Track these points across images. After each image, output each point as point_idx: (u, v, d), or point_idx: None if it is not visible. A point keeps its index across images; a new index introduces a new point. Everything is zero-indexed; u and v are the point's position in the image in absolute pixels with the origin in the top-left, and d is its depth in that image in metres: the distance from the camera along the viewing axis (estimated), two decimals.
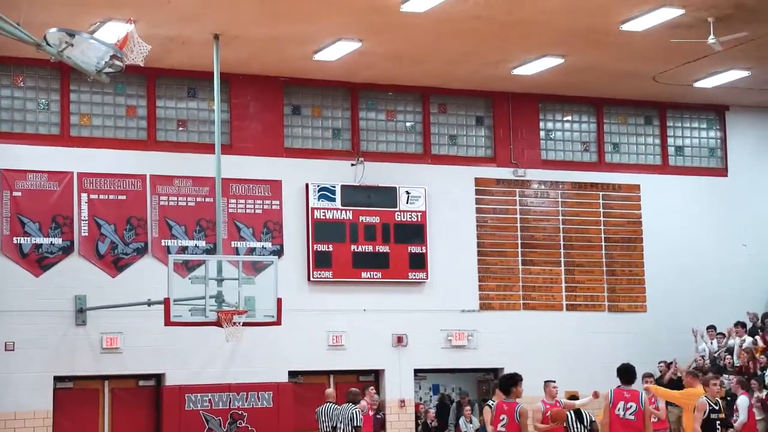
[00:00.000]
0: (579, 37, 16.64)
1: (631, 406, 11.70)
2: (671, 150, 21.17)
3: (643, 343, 19.70)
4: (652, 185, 20.66)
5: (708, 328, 19.67)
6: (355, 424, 14.11)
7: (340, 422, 14.18)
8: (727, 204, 21.10)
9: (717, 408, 12.45)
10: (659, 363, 18.89)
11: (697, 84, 19.40)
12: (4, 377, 16.23)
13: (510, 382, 11.63)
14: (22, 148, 16.80)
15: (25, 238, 16.60)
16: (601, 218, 20.26)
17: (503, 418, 11.30)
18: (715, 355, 19.08)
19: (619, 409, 11.70)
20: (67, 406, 16.69)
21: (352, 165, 18.63)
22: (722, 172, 21.39)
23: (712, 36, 15.41)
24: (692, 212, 20.85)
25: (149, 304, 15.77)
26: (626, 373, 11.99)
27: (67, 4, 14.31)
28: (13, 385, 16.24)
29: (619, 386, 11.91)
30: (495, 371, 19.41)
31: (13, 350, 16.34)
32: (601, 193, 20.30)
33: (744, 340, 18.96)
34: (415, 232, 18.75)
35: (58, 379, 16.67)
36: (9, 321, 16.31)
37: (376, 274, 18.42)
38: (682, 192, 20.88)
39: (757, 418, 16.36)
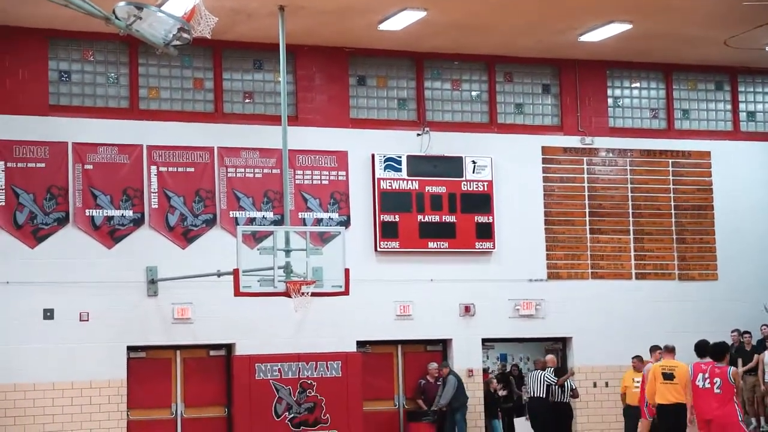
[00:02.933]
0: (647, 2, 16.38)
1: (707, 377, 12.56)
2: (743, 116, 20.79)
3: (715, 312, 19.49)
4: (723, 152, 20.32)
5: None
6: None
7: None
8: None
9: None
10: (732, 332, 18.67)
11: None
12: (79, 347, 16.55)
13: (725, 348, 13.13)
14: (93, 122, 17.03)
15: (97, 210, 16.86)
16: (671, 186, 19.99)
17: (717, 381, 12.46)
18: None
19: (698, 381, 12.63)
20: (140, 376, 16.98)
21: (418, 135, 18.60)
22: None
23: None
24: (765, 179, 20.49)
25: (219, 275, 15.93)
26: (699, 349, 13.14)
27: None
28: (88, 354, 16.56)
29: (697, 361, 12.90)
30: (563, 340, 19.36)
31: (87, 320, 16.65)
32: (670, 161, 20.03)
33: None
34: (482, 201, 18.68)
35: (131, 348, 16.97)
36: (83, 292, 16.61)
37: (442, 244, 18.42)
38: (754, 158, 20.51)
39: None
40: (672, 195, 19.99)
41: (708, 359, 12.80)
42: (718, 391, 12.38)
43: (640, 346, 18.64)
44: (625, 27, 17.58)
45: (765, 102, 20.99)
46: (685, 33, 18.14)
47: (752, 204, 20.31)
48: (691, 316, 19.46)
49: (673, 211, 19.94)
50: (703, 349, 13.04)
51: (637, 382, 16.40)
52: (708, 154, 20.26)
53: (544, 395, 17.43)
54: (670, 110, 20.34)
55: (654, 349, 15.93)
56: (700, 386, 12.61)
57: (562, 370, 17.53)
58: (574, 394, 17.58)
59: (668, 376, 14.74)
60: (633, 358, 17.07)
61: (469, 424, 18.10)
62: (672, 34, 18.21)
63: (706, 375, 12.54)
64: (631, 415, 16.69)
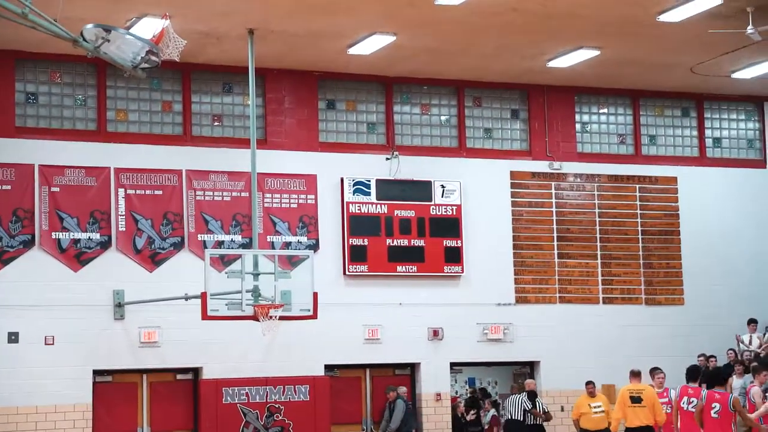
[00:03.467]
0: (615, 29, 16.53)
1: (693, 401, 12.82)
2: (709, 142, 21.00)
3: (681, 337, 19.60)
4: (689, 177, 20.50)
5: (749, 322, 19.51)
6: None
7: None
8: (765, 196, 20.89)
9: None
10: (699, 356, 18.76)
11: (735, 75, 19.20)
12: (44, 371, 16.38)
13: (726, 374, 13.93)
14: (60, 144, 16.94)
15: (64, 233, 16.74)
16: (638, 211, 20.13)
17: (716, 406, 12.51)
18: (760, 350, 18.92)
19: (683, 403, 13.00)
20: (106, 400, 16.84)
21: (387, 159, 18.64)
22: (761, 163, 21.18)
23: (750, 26, 15.24)
24: (730, 204, 20.67)
25: (186, 298, 15.87)
26: (690, 373, 13.45)
27: (104, 0, 14.40)
28: (53, 378, 16.39)
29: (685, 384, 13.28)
30: (531, 364, 19.38)
31: (53, 344, 16.50)
32: (637, 186, 20.18)
33: None
34: (451, 225, 18.72)
35: (97, 372, 16.82)
36: (48, 315, 16.46)
37: (411, 268, 18.42)
38: (719, 184, 20.70)
39: None
40: (639, 220, 20.12)
41: (695, 384, 13.26)
42: (716, 416, 12.57)
43: (608, 370, 18.79)
44: (593, 53, 17.73)
45: (730, 128, 21.22)
46: (653, 60, 18.31)
47: (718, 229, 20.47)
48: (658, 340, 19.57)
49: (640, 236, 20.07)
50: (694, 373, 13.48)
51: (595, 407, 16.72)
52: (674, 179, 20.43)
53: (522, 418, 17.42)
54: (637, 136, 20.50)
55: (654, 370, 15.90)
56: (685, 408, 12.97)
57: (533, 393, 17.55)
58: (547, 417, 17.62)
59: (636, 400, 15.08)
60: (587, 383, 17.06)
61: None
62: (639, 61, 18.38)
63: (693, 400, 12.90)
64: None
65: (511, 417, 17.67)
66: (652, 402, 15.16)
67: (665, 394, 15.10)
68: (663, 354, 19.12)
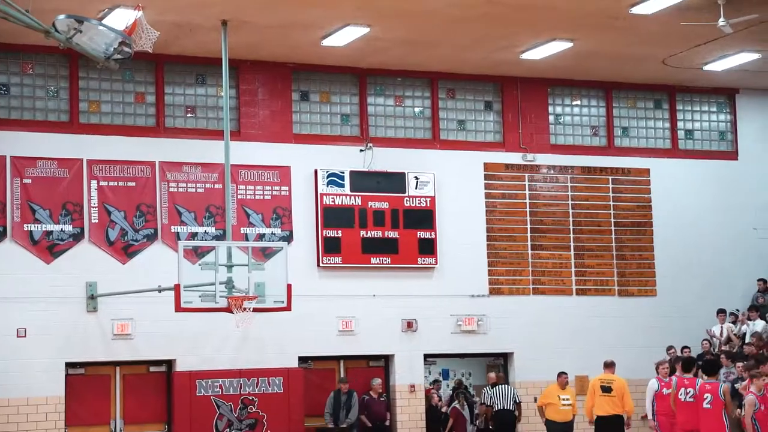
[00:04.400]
0: (588, 21, 16.58)
1: (689, 391, 13.39)
2: (681, 134, 21.12)
3: (654, 328, 19.72)
4: (661, 169, 20.61)
5: (718, 312, 19.67)
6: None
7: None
8: (737, 188, 21.04)
9: None
10: (669, 349, 18.89)
11: (707, 67, 19.33)
12: (16, 364, 16.29)
13: (718, 365, 14.56)
14: (32, 136, 16.83)
15: (36, 225, 16.65)
16: (611, 202, 20.22)
17: (707, 396, 13.08)
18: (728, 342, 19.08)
19: (681, 394, 13.50)
20: (79, 392, 16.77)
21: (361, 151, 18.63)
22: (732, 155, 21.33)
23: (722, 18, 15.33)
24: (702, 196, 20.81)
25: (160, 290, 15.81)
26: (685, 364, 14.24)
27: None
28: (26, 371, 16.30)
29: (679, 375, 13.97)
30: (505, 356, 19.46)
31: (24, 336, 16.41)
32: (610, 178, 20.27)
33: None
34: (424, 217, 18.75)
35: (69, 365, 16.74)
36: (20, 308, 16.37)
37: (385, 260, 18.44)
38: (692, 176, 20.83)
39: None
40: (612, 212, 20.22)
41: (690, 375, 13.82)
42: (708, 406, 12.95)
43: (581, 360, 18.89)
44: (566, 45, 17.78)
45: (702, 120, 21.34)
46: (625, 52, 18.39)
47: (690, 221, 20.61)
48: (631, 331, 19.70)
49: (613, 228, 20.18)
50: (689, 365, 14.12)
51: (563, 398, 16.96)
52: (647, 171, 20.54)
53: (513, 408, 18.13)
54: (610, 128, 20.59)
55: (660, 363, 16.12)
56: (683, 399, 13.46)
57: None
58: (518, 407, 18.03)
59: (606, 389, 15.92)
60: (562, 374, 17.19)
61: None
62: (612, 53, 18.45)
63: (689, 390, 13.38)
64: (555, 430, 17.00)
65: (503, 407, 17.93)
66: (622, 392, 15.91)
67: (671, 384, 15.27)
68: (636, 344, 19.28)
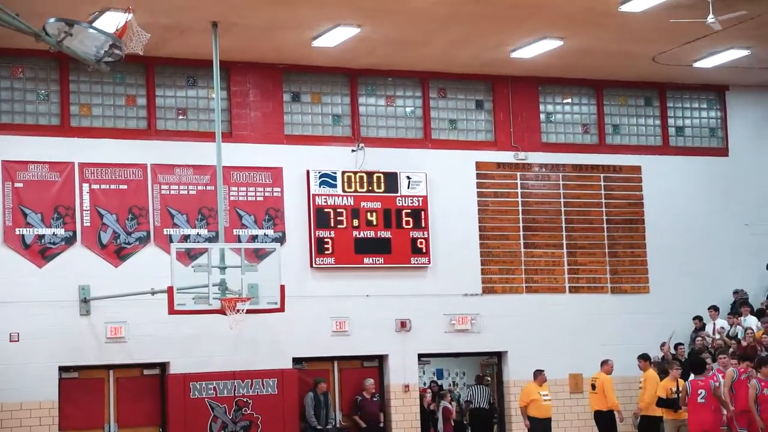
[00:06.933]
0: (578, 19, 16.61)
1: (701, 392, 14.06)
2: (672, 131, 21.15)
3: (647, 325, 19.75)
4: (653, 166, 20.65)
5: (710, 308, 19.71)
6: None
7: None
8: (728, 184, 21.10)
9: None
10: (662, 345, 18.92)
11: (697, 64, 19.37)
12: (9, 368, 16.26)
13: (704, 362, 15.08)
14: (23, 139, 16.80)
15: (28, 228, 16.62)
16: (603, 200, 20.25)
17: (701, 392, 14.01)
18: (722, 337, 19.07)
19: (700, 398, 14.09)
20: (72, 396, 16.74)
21: (353, 151, 18.63)
22: (723, 152, 21.38)
23: (711, 15, 15.34)
24: (693, 193, 20.85)
25: (153, 293, 15.79)
26: (695, 365, 14.95)
27: None
28: (19, 375, 16.27)
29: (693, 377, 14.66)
30: (499, 354, 19.48)
31: (17, 341, 16.38)
32: (602, 175, 20.30)
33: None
34: (417, 217, 18.75)
35: (63, 369, 16.71)
36: (13, 312, 16.33)
37: (378, 260, 18.44)
38: (683, 173, 20.87)
39: None
40: (604, 209, 20.25)
41: (702, 376, 14.25)
42: (702, 401, 13.80)
43: (575, 359, 18.94)
44: (556, 44, 17.81)
45: (693, 117, 21.39)
46: (615, 49, 18.42)
47: (682, 218, 20.65)
48: (624, 328, 19.72)
49: (605, 225, 20.20)
50: (700, 366, 14.58)
51: (544, 395, 17.27)
52: (638, 168, 20.57)
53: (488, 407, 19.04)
54: (601, 125, 20.62)
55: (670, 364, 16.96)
56: (699, 401, 14.08)
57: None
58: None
59: (593, 387, 17.26)
60: (540, 372, 17.34)
61: None
62: (602, 51, 18.48)
63: (701, 391, 14.02)
64: (539, 427, 17.17)
65: (479, 406, 18.33)
66: (603, 389, 17.00)
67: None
68: (629, 342, 19.29)
